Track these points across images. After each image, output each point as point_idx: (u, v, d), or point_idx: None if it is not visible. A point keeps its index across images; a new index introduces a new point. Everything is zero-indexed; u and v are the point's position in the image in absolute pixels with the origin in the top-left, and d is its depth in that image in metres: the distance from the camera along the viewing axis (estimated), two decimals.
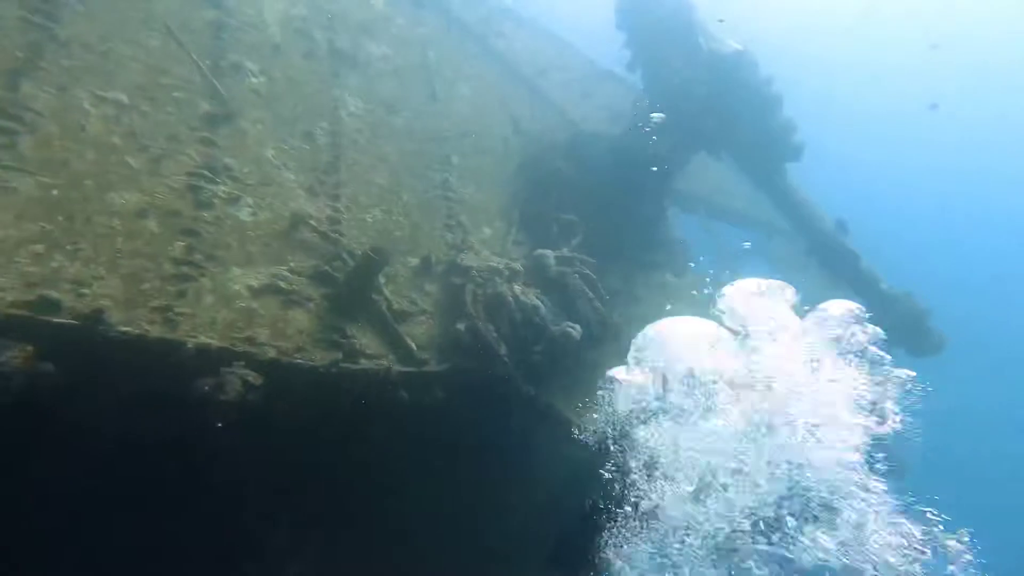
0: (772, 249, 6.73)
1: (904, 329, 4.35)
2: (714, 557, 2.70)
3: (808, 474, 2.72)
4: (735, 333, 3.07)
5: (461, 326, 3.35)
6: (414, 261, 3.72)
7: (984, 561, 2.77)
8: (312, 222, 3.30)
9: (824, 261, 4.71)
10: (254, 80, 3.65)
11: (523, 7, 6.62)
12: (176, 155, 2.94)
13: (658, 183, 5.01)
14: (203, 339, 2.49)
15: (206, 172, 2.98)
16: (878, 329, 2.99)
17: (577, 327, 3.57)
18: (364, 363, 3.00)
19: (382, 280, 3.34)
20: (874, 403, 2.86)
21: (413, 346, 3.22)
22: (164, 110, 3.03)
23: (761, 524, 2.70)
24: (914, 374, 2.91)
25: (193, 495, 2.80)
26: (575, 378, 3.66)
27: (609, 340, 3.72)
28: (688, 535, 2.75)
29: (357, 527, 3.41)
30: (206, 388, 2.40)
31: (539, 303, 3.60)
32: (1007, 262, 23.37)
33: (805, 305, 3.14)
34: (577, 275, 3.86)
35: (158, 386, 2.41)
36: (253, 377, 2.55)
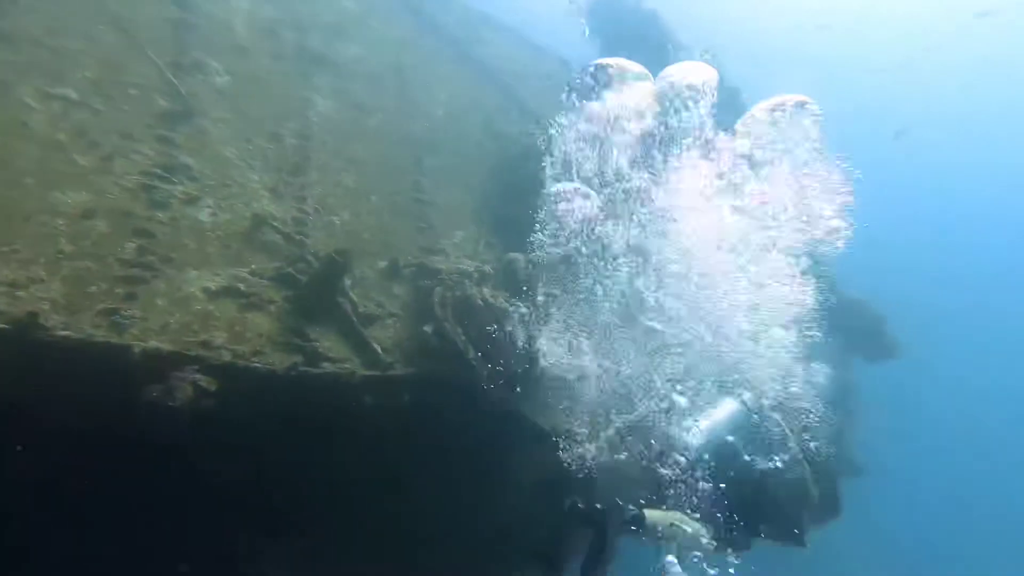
0: None
1: (860, 334, 4.44)
2: None
3: None
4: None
5: (428, 329, 3.28)
6: (382, 264, 3.64)
7: None
8: (275, 224, 3.20)
9: None
10: (218, 79, 3.54)
11: (502, 13, 6.62)
12: (130, 154, 2.81)
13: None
14: (153, 343, 2.37)
15: (162, 171, 2.86)
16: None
17: (546, 330, 3.54)
18: (327, 367, 2.91)
19: (348, 283, 3.25)
20: None
21: (379, 350, 3.14)
22: (118, 107, 2.90)
23: None
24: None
25: (150, 502, 2.68)
26: (544, 382, 3.62)
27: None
28: None
29: (327, 532, 3.31)
30: (155, 394, 2.29)
31: (508, 307, 3.55)
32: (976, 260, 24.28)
33: None
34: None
35: (106, 393, 2.28)
36: (206, 382, 2.45)
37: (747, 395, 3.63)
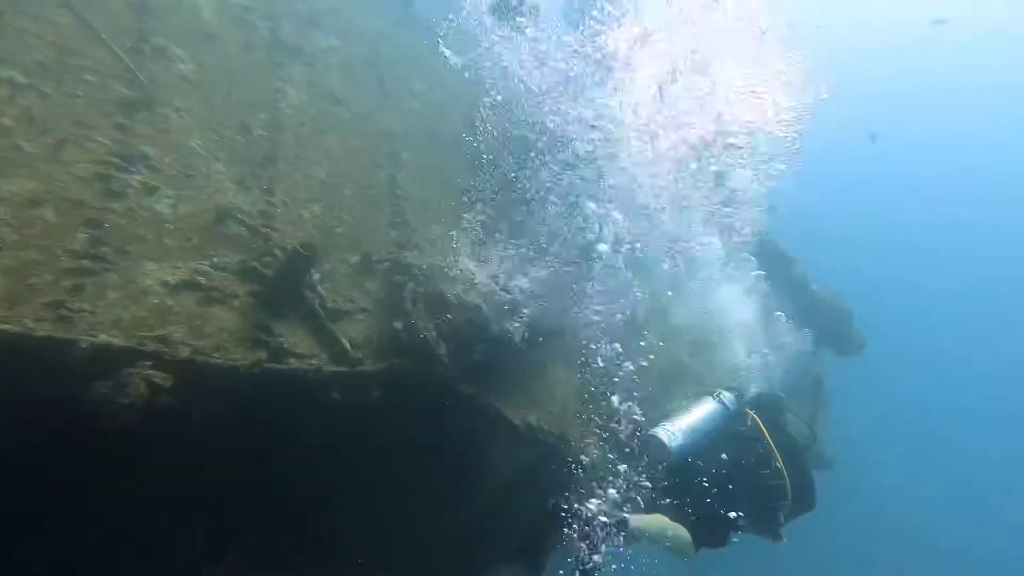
0: None
1: (830, 329, 4.48)
2: None
3: None
4: None
5: (399, 324, 3.20)
6: (354, 258, 3.54)
7: None
8: (241, 216, 3.08)
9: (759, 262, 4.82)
10: (182, 66, 3.39)
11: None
12: (83, 141, 2.66)
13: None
14: (103, 338, 2.25)
15: (118, 160, 2.72)
16: None
17: (518, 326, 3.48)
18: (293, 363, 2.81)
19: (317, 277, 3.15)
20: None
21: (348, 345, 3.05)
22: (71, 93, 2.74)
23: None
24: None
25: (104, 501, 2.56)
26: (518, 379, 3.57)
27: (553, 340, 3.64)
28: None
29: (294, 531, 3.22)
30: (104, 390, 2.18)
31: (481, 302, 3.48)
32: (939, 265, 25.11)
33: None
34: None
35: (52, 391, 2.16)
36: (161, 378, 2.33)
37: (726, 395, 3.65)
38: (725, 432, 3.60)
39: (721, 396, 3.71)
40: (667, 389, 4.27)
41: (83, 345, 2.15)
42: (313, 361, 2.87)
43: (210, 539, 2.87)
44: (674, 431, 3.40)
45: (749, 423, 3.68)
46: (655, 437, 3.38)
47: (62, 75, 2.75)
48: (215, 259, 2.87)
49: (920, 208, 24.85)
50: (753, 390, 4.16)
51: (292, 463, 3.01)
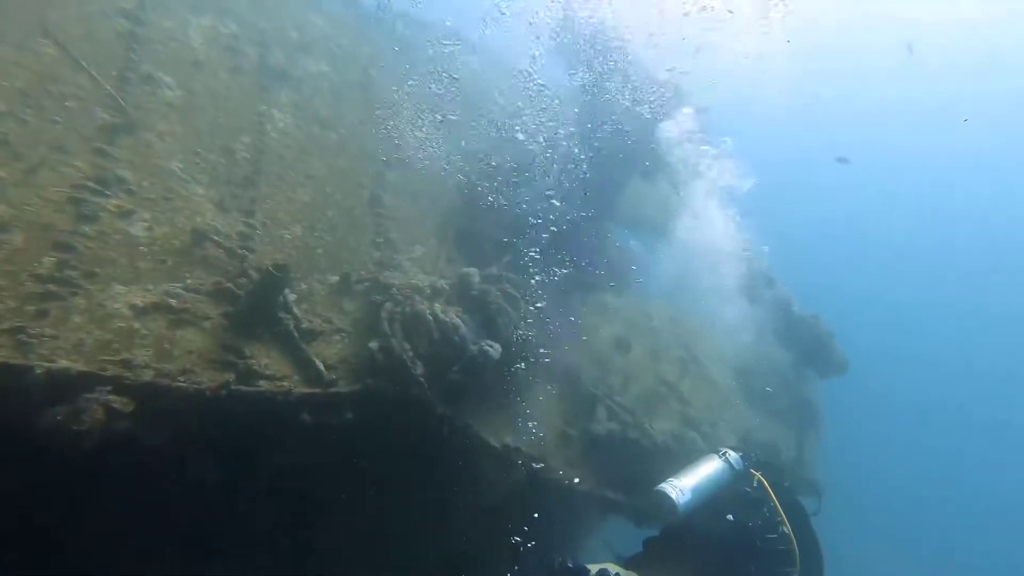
0: None
1: (811, 350, 4.32)
2: None
3: None
4: None
5: (374, 345, 3.10)
6: (334, 279, 3.46)
7: None
8: (217, 238, 3.02)
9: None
10: (168, 92, 3.38)
11: (472, 31, 6.55)
12: (59, 166, 2.63)
13: (598, 203, 4.93)
14: (62, 363, 2.17)
15: (94, 184, 2.68)
16: None
17: (496, 346, 3.37)
18: (262, 385, 2.71)
19: (292, 298, 3.07)
20: None
21: (321, 366, 2.95)
22: (50, 119, 2.73)
23: None
24: None
25: (67, 531, 2.45)
26: (495, 397, 3.44)
27: (527, 359, 3.52)
28: None
29: (262, 558, 3.08)
30: (58, 417, 2.09)
31: (459, 322, 3.38)
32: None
33: None
34: (500, 293, 3.66)
35: (9, 416, 2.08)
36: (121, 403, 2.24)
37: (731, 454, 3.43)
38: (731, 492, 3.38)
39: (727, 455, 3.49)
40: (649, 410, 4.11)
41: (38, 371, 2.07)
42: (284, 383, 2.77)
43: (189, 555, 2.74)
44: (683, 488, 3.18)
45: (755, 484, 3.45)
46: (663, 494, 3.16)
47: (42, 102, 2.74)
48: (188, 281, 2.80)
49: (897, 223, 24.77)
50: (752, 439, 3.93)
51: (270, 481, 2.89)
